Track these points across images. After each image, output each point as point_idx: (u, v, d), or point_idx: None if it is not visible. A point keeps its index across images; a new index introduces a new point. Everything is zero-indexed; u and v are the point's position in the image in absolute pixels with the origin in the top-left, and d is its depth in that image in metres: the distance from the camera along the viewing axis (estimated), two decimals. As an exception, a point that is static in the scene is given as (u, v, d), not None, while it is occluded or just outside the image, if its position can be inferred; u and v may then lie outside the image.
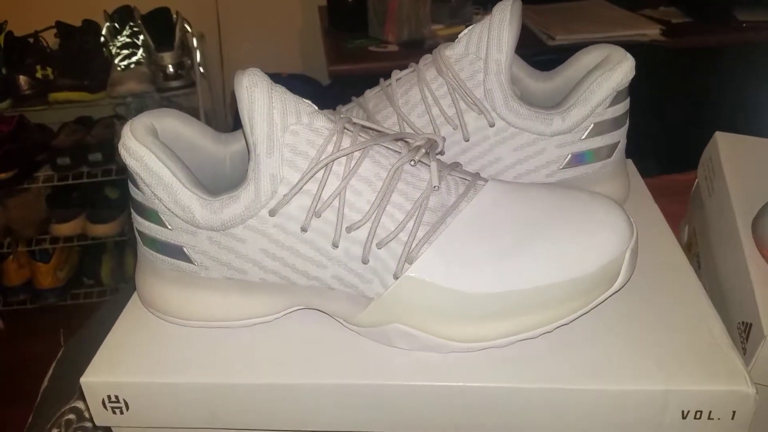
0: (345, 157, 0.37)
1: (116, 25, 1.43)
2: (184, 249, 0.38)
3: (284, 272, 0.38)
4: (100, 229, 1.57)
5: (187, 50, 1.42)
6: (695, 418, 0.35)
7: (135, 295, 0.44)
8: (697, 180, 0.59)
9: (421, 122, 0.45)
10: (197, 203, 0.36)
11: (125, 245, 1.67)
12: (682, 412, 0.35)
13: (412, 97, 0.46)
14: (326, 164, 0.36)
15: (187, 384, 0.37)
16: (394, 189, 0.37)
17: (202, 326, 0.40)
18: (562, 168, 0.45)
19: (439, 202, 0.38)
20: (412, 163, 0.38)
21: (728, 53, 1.24)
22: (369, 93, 0.49)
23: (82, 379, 0.37)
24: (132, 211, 0.39)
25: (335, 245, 0.37)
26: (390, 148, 0.39)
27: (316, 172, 0.36)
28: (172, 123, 0.39)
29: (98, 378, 0.37)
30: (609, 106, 0.43)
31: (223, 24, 1.60)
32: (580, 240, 0.37)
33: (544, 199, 0.39)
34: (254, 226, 0.36)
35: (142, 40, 1.41)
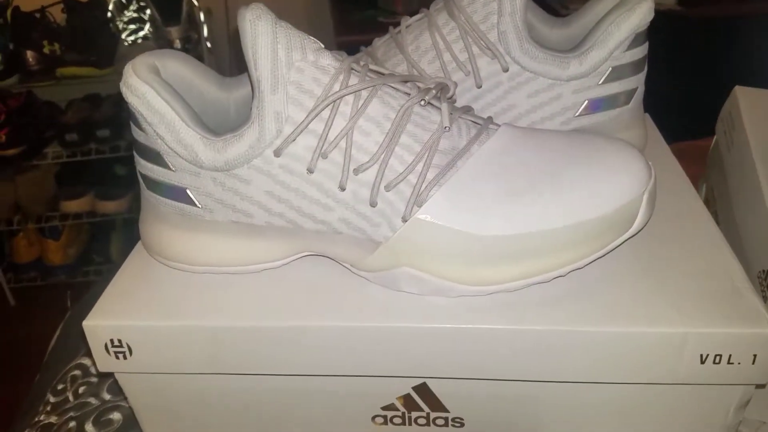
0: (352, 96, 0.35)
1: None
2: (188, 191, 0.37)
3: (290, 215, 0.37)
4: (109, 206, 1.57)
5: (194, 25, 1.41)
6: (714, 362, 0.34)
7: (139, 243, 0.43)
8: (715, 138, 0.58)
9: (432, 69, 0.44)
10: (200, 142, 0.35)
11: (134, 222, 1.67)
12: (701, 356, 0.34)
13: (422, 42, 0.45)
14: (333, 102, 0.35)
15: (191, 326, 0.36)
16: (403, 130, 0.36)
17: (207, 271, 0.39)
18: (578, 115, 0.43)
19: (450, 144, 0.36)
20: (423, 103, 0.36)
21: (745, 22, 1.21)
22: (378, 41, 0.48)
23: (85, 323, 0.37)
24: (134, 153, 0.38)
25: (342, 187, 0.35)
26: (399, 90, 0.37)
27: (322, 111, 0.35)
28: (175, 64, 0.38)
29: (101, 321, 0.36)
30: (627, 49, 0.42)
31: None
32: (595, 181, 0.36)
33: (558, 143, 0.38)
34: (259, 167, 0.35)
35: (149, 15, 1.40)
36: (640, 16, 0.41)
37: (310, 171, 0.35)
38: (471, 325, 0.35)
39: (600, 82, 0.42)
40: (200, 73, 0.39)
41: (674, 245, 0.39)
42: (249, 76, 0.35)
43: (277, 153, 0.35)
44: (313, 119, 0.34)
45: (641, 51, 0.43)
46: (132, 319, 0.36)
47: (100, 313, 0.37)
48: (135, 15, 1.40)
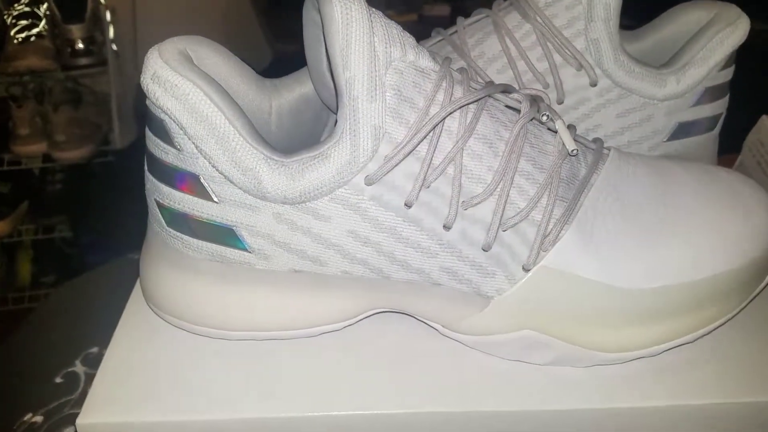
0: (459, 111, 0.27)
1: (12, -10, 1.23)
2: (236, 230, 0.27)
3: (377, 263, 0.27)
4: (-12, 228, 1.34)
5: (98, 24, 1.24)
6: None
7: (135, 298, 0.32)
8: (738, 163, 0.55)
9: (502, 79, 0.37)
10: (265, 164, 0.25)
11: (16, 249, 1.45)
12: None
13: (488, 48, 0.37)
14: (443, 118, 0.26)
15: (232, 421, 0.26)
16: (520, 153, 0.28)
17: (246, 337, 0.29)
18: (666, 140, 0.38)
19: (571, 172, 0.29)
20: (545, 118, 0.29)
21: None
22: (425, 44, 0.40)
23: (79, 421, 0.25)
24: (151, 177, 0.28)
25: (448, 226, 0.27)
26: (501, 101, 0.30)
27: (428, 128, 0.26)
28: (210, 54, 0.28)
29: (97, 419, 0.25)
30: (722, 69, 0.37)
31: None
32: (737, 223, 0.30)
33: (677, 173, 0.32)
34: (345, 198, 0.26)
35: (46, 10, 1.21)
36: (741, 32, 0.36)
37: (409, 205, 0.27)
38: (617, 405, 0.28)
39: (692, 105, 0.37)
40: (236, 69, 0.30)
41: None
42: (333, 74, 0.26)
43: (371, 181, 0.26)
44: (422, 139, 0.26)
45: (731, 72, 0.38)
46: (139, 414, 0.26)
47: (95, 405, 0.26)
48: (27, 9, 1.22)
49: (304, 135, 0.32)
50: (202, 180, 0.26)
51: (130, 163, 1.34)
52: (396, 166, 0.26)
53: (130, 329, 0.30)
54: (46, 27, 1.22)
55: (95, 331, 0.48)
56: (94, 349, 0.46)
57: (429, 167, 0.26)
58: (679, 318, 0.29)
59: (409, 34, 0.28)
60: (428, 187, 0.27)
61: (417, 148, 0.26)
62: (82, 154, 1.25)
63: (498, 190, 0.27)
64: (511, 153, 0.28)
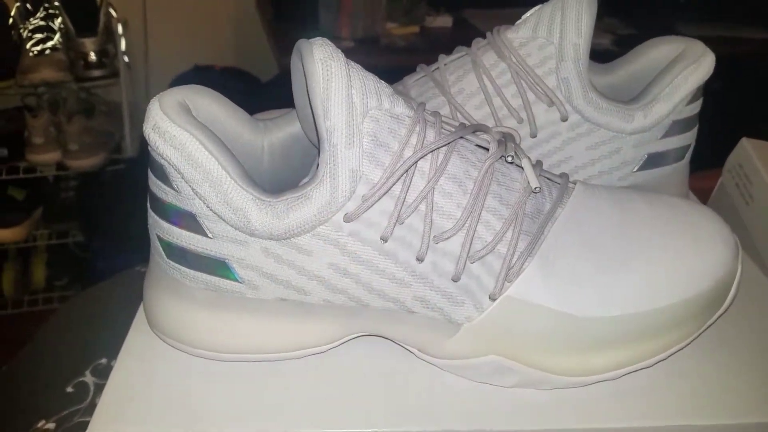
0: (430, 153, 0.30)
1: (28, 5, 1.27)
2: (228, 263, 0.30)
3: (355, 292, 0.30)
4: (4, 234, 1.38)
5: (110, 37, 1.28)
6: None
7: (138, 322, 0.35)
8: (718, 186, 0.57)
9: (480, 114, 0.39)
10: (254, 205, 0.28)
11: (31, 253, 1.49)
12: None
13: (467, 84, 0.40)
14: (416, 161, 0.29)
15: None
16: (487, 191, 0.30)
17: (237, 359, 0.32)
18: (636, 170, 0.40)
19: (535, 207, 0.32)
20: (510, 159, 0.31)
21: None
22: (409, 80, 0.43)
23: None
24: (153, 214, 0.31)
25: (420, 259, 0.30)
26: (471, 141, 0.32)
27: (402, 170, 0.29)
28: (206, 103, 0.31)
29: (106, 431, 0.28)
30: (688, 104, 0.39)
31: (150, 10, 1.46)
32: (694, 254, 0.32)
33: (641, 207, 0.34)
34: (325, 235, 0.29)
35: (60, 24, 1.25)
36: (706, 69, 0.39)
37: (384, 239, 0.29)
38: (576, 426, 0.30)
39: (660, 137, 0.40)
40: (231, 114, 0.32)
41: (751, 316, 0.37)
42: (315, 123, 0.29)
43: (349, 218, 0.29)
44: (396, 180, 0.29)
45: (698, 105, 0.40)
46: (145, 428, 0.29)
47: (105, 418, 0.29)
48: (42, 23, 1.25)
49: (294, 170, 0.35)
50: (197, 218, 0.29)
51: (141, 171, 1.38)
52: (372, 205, 0.29)
53: (138, 344, 0.33)
54: (60, 40, 1.26)
55: (104, 342, 0.51)
56: (103, 360, 0.49)
57: (403, 205, 0.29)
58: (637, 344, 0.31)
59: (385, 84, 0.30)
60: (402, 223, 0.29)
61: (392, 188, 0.29)
62: (95, 162, 1.29)
63: (466, 225, 0.30)
64: (479, 191, 0.30)
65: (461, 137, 0.31)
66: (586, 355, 0.31)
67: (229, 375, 0.32)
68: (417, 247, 0.30)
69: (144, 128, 0.29)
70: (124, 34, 1.30)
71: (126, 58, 1.31)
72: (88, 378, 0.48)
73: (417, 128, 0.30)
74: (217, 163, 0.28)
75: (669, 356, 0.32)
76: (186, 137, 0.28)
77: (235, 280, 0.30)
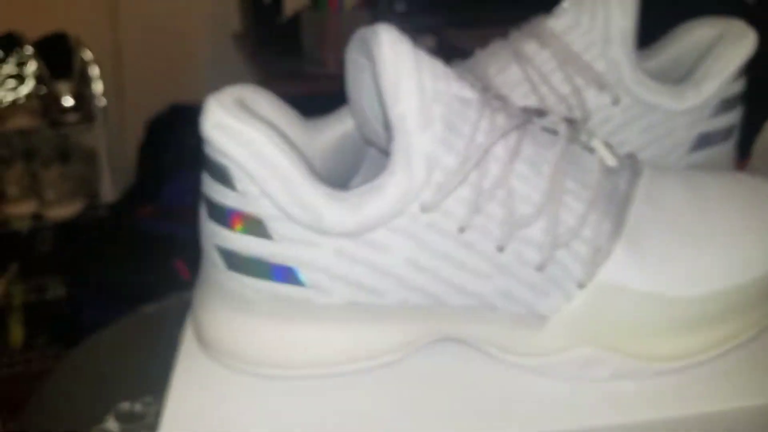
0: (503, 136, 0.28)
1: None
2: (295, 267, 0.27)
3: (434, 289, 0.28)
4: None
5: (85, 79, 1.25)
6: None
7: (186, 348, 0.31)
8: (749, 168, 0.56)
9: (527, 104, 0.38)
10: (325, 200, 0.26)
11: (6, 312, 1.42)
12: None
13: (510, 75, 0.38)
14: (492, 143, 0.27)
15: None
16: (564, 172, 0.29)
17: (306, 375, 0.29)
18: (689, 151, 0.39)
19: (611, 188, 0.30)
20: (585, 138, 0.30)
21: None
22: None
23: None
24: (210, 222, 0.28)
25: (501, 248, 0.28)
26: (538, 125, 0.31)
27: (479, 155, 0.27)
28: (260, 101, 0.29)
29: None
30: (734, 81, 0.38)
31: (124, 52, 1.44)
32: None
33: (708, 183, 0.33)
34: (402, 227, 0.27)
35: (34, 71, 1.22)
36: (749, 45, 0.38)
37: (462, 229, 0.27)
38: (677, 414, 0.28)
39: (709, 116, 0.39)
40: (284, 113, 0.30)
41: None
42: (384, 109, 0.27)
43: (426, 208, 0.26)
44: (474, 165, 0.26)
45: (743, 83, 0.40)
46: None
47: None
48: (14, 71, 1.22)
49: (346, 171, 0.33)
50: (263, 221, 0.27)
51: (121, 217, 1.34)
52: (450, 193, 0.26)
53: (190, 372, 0.30)
54: (33, 86, 1.22)
55: (124, 385, 0.48)
56: (126, 404, 0.45)
57: (480, 192, 0.27)
58: (731, 321, 0.30)
59: (450, 68, 0.29)
60: (480, 211, 0.27)
61: (468, 174, 0.27)
62: (73, 210, 1.25)
63: (547, 209, 0.28)
64: (556, 173, 0.28)
65: (529, 120, 0.30)
66: (680, 337, 0.29)
67: (295, 393, 0.29)
68: (497, 236, 0.28)
69: (203, 128, 0.26)
70: (101, 76, 1.27)
71: (103, 101, 1.28)
72: (112, 424, 0.44)
73: (486, 112, 0.28)
74: (285, 159, 0.26)
75: (758, 333, 0.30)
76: (253, 133, 0.25)
77: (302, 285, 0.27)
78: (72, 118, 1.21)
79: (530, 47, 0.39)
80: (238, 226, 0.27)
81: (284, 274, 0.27)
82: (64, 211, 1.23)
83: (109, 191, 1.33)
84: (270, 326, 0.28)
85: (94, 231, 1.28)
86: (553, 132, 0.30)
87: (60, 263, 1.30)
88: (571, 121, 0.31)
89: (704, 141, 0.39)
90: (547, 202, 0.28)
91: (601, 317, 0.28)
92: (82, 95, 1.22)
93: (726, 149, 0.40)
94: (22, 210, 1.23)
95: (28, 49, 1.24)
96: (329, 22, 1.14)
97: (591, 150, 0.31)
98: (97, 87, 1.26)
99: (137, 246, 1.10)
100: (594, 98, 0.37)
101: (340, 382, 0.29)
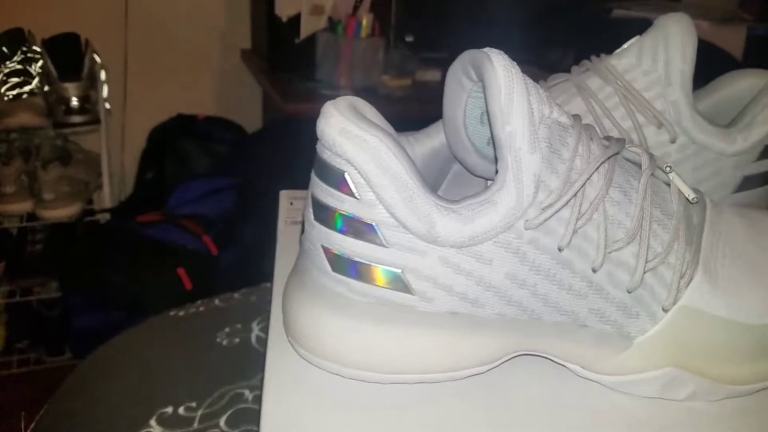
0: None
1: (4, 48, 1.22)
2: (402, 274, 0.28)
3: (531, 304, 0.29)
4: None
5: (93, 82, 1.24)
6: None
7: (275, 351, 0.32)
8: None
9: (591, 137, 0.40)
10: (438, 211, 0.27)
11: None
12: None
13: (574, 108, 0.41)
14: (595, 169, 0.29)
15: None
16: (651, 201, 0.31)
17: (398, 381, 0.30)
18: (733, 192, 0.41)
19: (689, 217, 0.32)
20: (668, 169, 0.32)
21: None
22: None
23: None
24: (319, 225, 0.29)
25: (595, 269, 0.29)
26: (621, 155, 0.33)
27: (584, 179, 0.29)
28: (368, 112, 0.30)
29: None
30: (779, 128, 0.41)
31: (131, 57, 1.44)
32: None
33: (761, 217, 0.35)
34: (507, 242, 0.28)
35: (40, 68, 1.21)
36: (794, 96, 0.41)
37: (561, 248, 0.29)
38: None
39: (754, 160, 0.41)
40: (385, 126, 0.32)
41: None
42: (492, 128, 0.28)
43: (530, 225, 0.28)
44: (579, 188, 0.28)
45: (786, 131, 0.42)
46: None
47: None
48: (19, 67, 1.21)
49: (430, 185, 0.34)
50: (375, 227, 0.28)
51: (119, 222, 1.32)
52: (555, 213, 0.28)
53: (282, 376, 0.31)
54: (38, 85, 1.22)
55: (162, 389, 0.47)
56: (168, 409, 0.44)
57: (579, 214, 0.29)
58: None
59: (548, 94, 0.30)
60: (577, 232, 0.29)
61: (569, 196, 0.29)
62: (71, 212, 1.23)
63: (639, 235, 0.30)
64: (644, 200, 0.30)
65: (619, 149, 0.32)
66: (755, 362, 0.31)
67: (387, 399, 0.30)
68: (592, 257, 0.29)
69: (326, 133, 0.27)
70: (107, 80, 1.27)
71: (108, 105, 1.27)
72: (155, 429, 0.44)
73: (583, 138, 0.30)
74: (405, 168, 0.27)
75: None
76: (376, 141, 0.27)
77: (408, 292, 0.29)
78: (77, 119, 1.20)
79: (593, 82, 0.41)
80: (349, 231, 0.28)
81: (391, 279, 0.28)
82: (62, 213, 1.21)
83: (107, 197, 1.32)
84: (373, 330, 0.29)
85: (91, 235, 1.27)
86: (635, 162, 0.32)
87: (52, 266, 1.28)
88: (650, 154, 0.33)
89: (747, 183, 0.41)
90: (638, 228, 0.30)
91: (682, 340, 0.30)
92: (89, 98, 1.22)
93: (764, 193, 0.43)
94: (17, 208, 1.22)
95: (36, 47, 1.23)
96: (344, 46, 1.16)
97: (665, 182, 0.33)
98: (104, 91, 1.26)
99: (137, 252, 1.09)
100: (653, 135, 0.40)
101: (424, 392, 0.30)
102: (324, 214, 0.29)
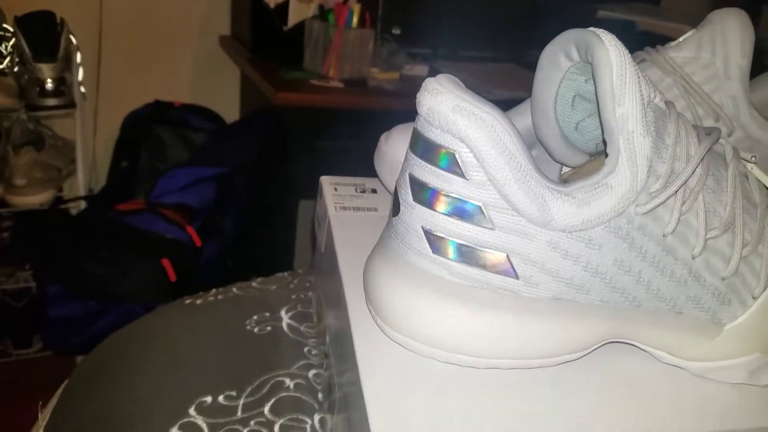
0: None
1: (-27, 26, 1.16)
2: (509, 257, 0.27)
3: (634, 291, 0.29)
4: None
5: (68, 64, 1.19)
6: None
7: (363, 336, 0.31)
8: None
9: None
10: (550, 194, 0.26)
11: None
12: None
13: (636, 99, 0.40)
14: (701, 157, 0.29)
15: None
16: (740, 191, 0.31)
17: (493, 366, 0.29)
18: (782, 187, 0.42)
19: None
20: (753, 160, 0.32)
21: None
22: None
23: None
24: (419, 206, 0.28)
25: (695, 256, 0.29)
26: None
27: (692, 166, 0.28)
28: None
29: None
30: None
31: (105, 39, 1.38)
32: None
33: None
34: (618, 227, 0.27)
35: (12, 46, 1.15)
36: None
37: (666, 235, 0.28)
38: None
39: (798, 159, 0.42)
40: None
41: None
42: (600, 111, 0.28)
43: (640, 211, 0.27)
44: (689, 175, 0.28)
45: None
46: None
47: None
48: (-10, 46, 1.14)
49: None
50: (483, 208, 0.27)
51: (97, 210, 1.27)
52: (666, 199, 0.28)
53: (372, 365, 0.29)
54: (9, 65, 1.15)
55: (197, 378, 0.45)
56: (208, 398, 0.42)
57: (683, 200, 0.28)
58: None
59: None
60: (680, 219, 0.29)
61: (676, 183, 0.28)
62: (43, 199, 1.17)
63: (734, 223, 0.30)
64: (735, 189, 0.30)
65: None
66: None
67: (480, 384, 0.29)
68: (692, 245, 0.29)
69: (436, 110, 0.26)
70: (82, 63, 1.21)
71: (83, 89, 1.22)
72: (197, 418, 0.41)
73: (681, 125, 0.30)
74: (520, 148, 0.26)
75: None
76: (491, 119, 0.26)
77: (513, 276, 0.28)
78: (52, 102, 1.14)
79: (653, 73, 0.41)
80: (454, 212, 0.27)
81: (496, 263, 0.27)
82: (33, 199, 1.16)
83: (81, 184, 1.26)
84: (474, 314, 0.28)
85: (67, 223, 1.21)
86: (718, 152, 0.32)
87: (20, 255, 1.21)
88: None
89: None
90: (732, 217, 0.30)
91: (772, 327, 0.30)
92: (64, 80, 1.16)
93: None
94: (-17, 194, 1.15)
95: (8, 25, 1.17)
96: (335, 36, 1.14)
97: (743, 174, 0.33)
98: (79, 73, 1.21)
99: (117, 241, 1.04)
100: (711, 128, 0.40)
101: (516, 378, 0.30)
102: (425, 194, 0.27)
